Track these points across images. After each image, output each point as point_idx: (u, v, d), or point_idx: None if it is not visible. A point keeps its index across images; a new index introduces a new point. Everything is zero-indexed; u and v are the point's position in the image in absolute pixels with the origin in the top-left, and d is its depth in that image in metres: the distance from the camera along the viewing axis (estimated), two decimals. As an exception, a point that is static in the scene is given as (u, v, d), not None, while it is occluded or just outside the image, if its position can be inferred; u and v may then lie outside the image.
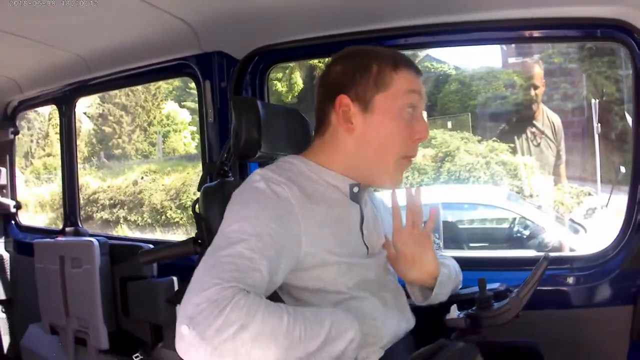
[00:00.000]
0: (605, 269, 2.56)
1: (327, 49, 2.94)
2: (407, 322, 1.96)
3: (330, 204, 1.81)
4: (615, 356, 2.51)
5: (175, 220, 17.10)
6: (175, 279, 3.35)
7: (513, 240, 7.53)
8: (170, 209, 17.28)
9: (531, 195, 10.19)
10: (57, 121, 4.35)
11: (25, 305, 4.38)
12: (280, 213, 1.65)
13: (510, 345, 2.13)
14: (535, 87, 5.50)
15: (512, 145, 10.89)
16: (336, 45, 2.76)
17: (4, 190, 4.74)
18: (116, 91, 18.10)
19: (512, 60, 13.45)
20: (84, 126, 20.69)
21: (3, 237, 4.75)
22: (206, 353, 1.36)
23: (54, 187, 18.25)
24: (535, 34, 2.71)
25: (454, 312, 1.94)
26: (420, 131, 1.85)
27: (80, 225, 4.29)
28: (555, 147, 5.42)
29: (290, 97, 17.13)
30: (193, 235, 2.35)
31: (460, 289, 2.20)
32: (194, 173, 16.60)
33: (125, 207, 18.10)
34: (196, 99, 3.22)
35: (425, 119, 1.91)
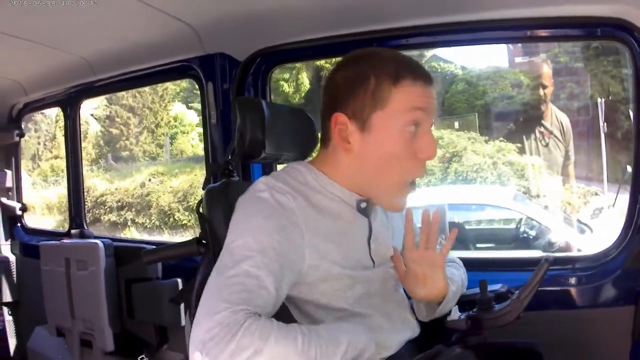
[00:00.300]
0: (606, 269, 2.54)
1: (329, 50, 2.95)
2: (412, 331, 1.95)
3: (336, 216, 1.78)
4: (617, 357, 2.50)
5: (184, 222, 17.11)
6: (179, 280, 3.35)
7: (519, 240, 7.51)
8: (178, 211, 17.29)
9: (538, 196, 10.17)
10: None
11: (31, 307, 4.39)
12: (284, 224, 1.63)
13: (511, 346, 2.13)
14: (544, 87, 5.45)
15: (519, 145, 10.88)
16: (338, 46, 2.78)
17: (10, 193, 4.75)
18: (123, 93, 18.07)
19: (518, 59, 13.42)
20: (91, 128, 20.72)
21: (9, 240, 4.76)
22: None
23: (61, 190, 18.26)
24: (536, 33, 2.69)
25: (455, 314, 1.94)
26: (424, 150, 1.75)
27: (86, 228, 4.30)
28: (564, 147, 5.40)
29: (297, 97, 17.13)
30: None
31: (462, 290, 2.19)
32: (202, 175, 16.58)
33: (133, 210, 18.11)
34: (204, 100, 3.25)
35: (432, 134, 1.79)
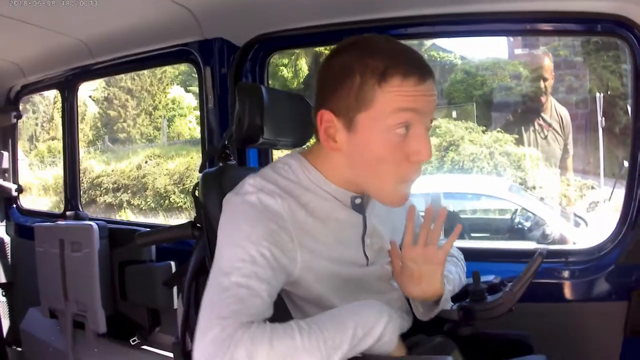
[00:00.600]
0: (600, 263, 2.55)
1: (328, 38, 2.95)
2: (407, 323, 1.92)
3: (328, 215, 1.72)
4: (609, 352, 2.52)
5: (179, 204, 17.13)
6: (173, 263, 3.36)
7: (513, 231, 7.54)
8: (174, 194, 17.31)
9: (534, 187, 10.18)
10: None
11: (25, 288, 4.40)
12: (272, 228, 1.58)
13: (502, 337, 2.13)
14: (545, 79, 5.44)
15: (516, 136, 10.90)
16: (337, 33, 2.77)
17: (6, 174, 4.75)
18: (122, 75, 18.06)
19: (518, 51, 13.43)
20: (89, 110, 20.70)
21: (4, 221, 4.77)
22: None
23: (58, 171, 18.25)
24: (536, 27, 2.69)
25: (448, 304, 1.94)
26: (417, 153, 1.62)
27: (81, 210, 4.30)
28: (563, 141, 5.40)
29: (296, 83, 17.12)
30: (197, 219, 2.33)
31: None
32: (198, 158, 16.51)
33: (129, 191, 18.13)
34: (203, 84, 3.26)
35: (426, 135, 1.65)
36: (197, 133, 19.25)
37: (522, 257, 2.65)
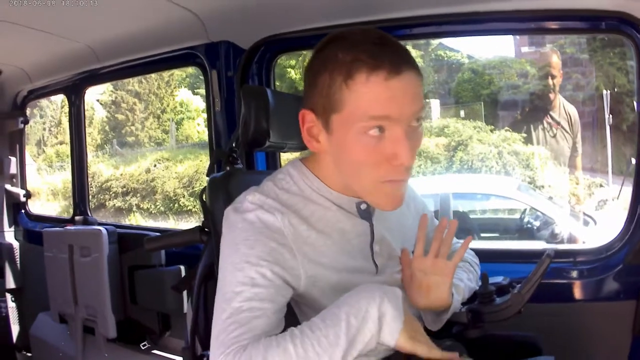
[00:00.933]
0: (608, 263, 2.54)
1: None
2: None
3: (332, 226, 1.67)
4: (617, 351, 2.50)
5: (188, 208, 17.16)
6: (182, 267, 3.36)
7: (523, 231, 7.52)
8: (183, 197, 17.34)
9: (542, 186, 10.17)
10: (68, 110, 4.38)
11: (35, 294, 4.41)
12: (272, 246, 1.55)
13: (511, 338, 2.12)
14: (553, 77, 5.43)
15: (524, 135, 10.89)
16: (342, 35, 2.76)
17: (14, 180, 4.76)
18: (129, 78, 18.10)
19: (525, 49, 13.43)
20: (97, 114, 20.75)
21: (13, 226, 4.78)
22: None
23: (66, 175, 18.29)
24: (541, 25, 2.67)
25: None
26: (394, 157, 1.52)
27: (90, 214, 4.30)
28: (572, 139, 5.38)
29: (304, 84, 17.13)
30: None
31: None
32: (207, 160, 16.54)
33: (138, 195, 18.16)
34: (210, 86, 3.28)
35: (404, 137, 1.51)
36: (205, 136, 19.26)
37: (531, 257, 2.64)
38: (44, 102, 20.19)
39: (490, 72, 14.81)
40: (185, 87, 21.43)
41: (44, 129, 21.24)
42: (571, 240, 6.54)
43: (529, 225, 7.40)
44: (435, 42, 14.66)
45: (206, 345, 2.20)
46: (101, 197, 18.10)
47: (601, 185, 10.12)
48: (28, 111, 4.74)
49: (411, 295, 1.77)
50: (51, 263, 3.94)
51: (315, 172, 1.70)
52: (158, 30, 3.17)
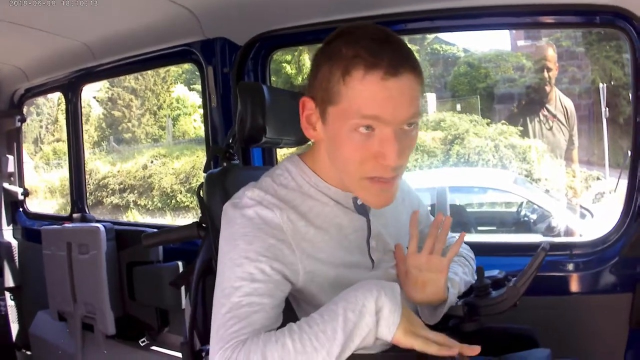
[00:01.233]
0: (604, 255, 2.55)
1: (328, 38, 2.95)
2: None
3: (330, 221, 1.68)
4: (614, 344, 2.51)
5: (186, 204, 17.15)
6: (180, 263, 3.38)
7: (519, 224, 7.52)
8: (180, 193, 17.32)
9: (539, 179, 10.17)
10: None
11: (34, 292, 4.43)
12: (271, 242, 1.56)
13: (507, 331, 2.13)
14: (549, 70, 5.43)
15: (521, 128, 10.91)
16: (338, 31, 2.77)
17: (12, 178, 4.76)
18: (125, 75, 18.07)
19: (521, 43, 13.43)
20: (94, 111, 20.71)
21: (11, 225, 4.78)
22: None
23: (64, 173, 18.27)
24: (535, 19, 2.68)
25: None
26: (381, 156, 1.53)
27: (87, 212, 4.31)
28: (568, 132, 5.39)
29: (300, 79, 17.09)
30: (203, 219, 2.34)
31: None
32: (204, 156, 16.54)
33: (135, 192, 18.14)
34: (206, 82, 3.30)
35: (393, 138, 1.52)
36: (202, 132, 19.23)
37: (527, 250, 2.66)
38: (40, 99, 20.14)
39: (487, 66, 14.81)
40: (181, 83, 21.38)
41: (41, 127, 21.20)
42: (568, 233, 6.54)
43: (525, 219, 7.39)
44: (431, 36, 14.64)
45: (205, 340, 2.21)
46: (98, 194, 18.07)
47: (598, 178, 10.13)
48: (25, 109, 4.74)
49: (407, 291, 1.78)
50: (50, 261, 3.95)
51: (312, 167, 1.72)
52: (154, 27, 3.17)
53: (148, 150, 19.44)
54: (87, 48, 3.57)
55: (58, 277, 3.84)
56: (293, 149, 2.35)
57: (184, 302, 3.16)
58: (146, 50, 3.49)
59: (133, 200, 18.04)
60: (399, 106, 1.50)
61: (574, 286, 2.59)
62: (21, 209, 4.83)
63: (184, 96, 21.02)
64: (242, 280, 1.50)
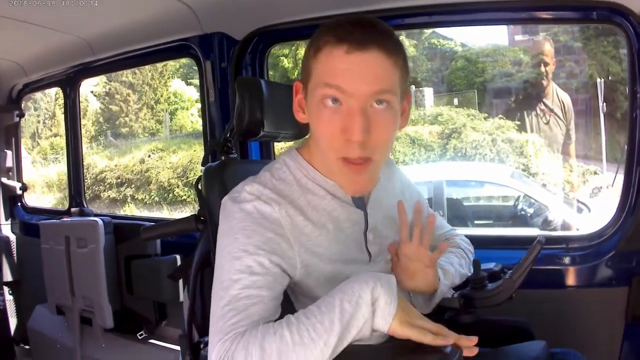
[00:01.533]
0: (600, 249, 2.56)
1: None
2: None
3: (328, 215, 1.70)
4: (610, 338, 2.53)
5: (183, 198, 17.12)
6: (178, 256, 3.39)
7: (516, 218, 7.54)
8: (178, 187, 17.29)
9: (536, 174, 10.18)
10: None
11: (32, 286, 4.44)
12: (269, 237, 1.58)
13: (503, 323, 2.15)
14: (546, 64, 5.45)
15: (518, 123, 10.90)
16: (335, 26, 2.77)
17: (10, 173, 4.77)
18: (123, 70, 18.02)
19: (518, 37, 13.43)
20: (91, 105, 20.67)
21: (9, 219, 4.79)
22: None
23: (61, 167, 18.25)
24: (532, 15, 2.71)
25: (449, 292, 1.95)
26: (345, 130, 1.57)
27: (86, 206, 4.32)
28: (565, 126, 5.40)
29: (296, 73, 17.07)
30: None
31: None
32: (201, 150, 16.51)
33: (133, 186, 18.10)
34: (203, 76, 3.31)
35: (358, 113, 1.56)
36: (199, 126, 19.20)
37: (523, 244, 2.66)
38: (38, 94, 20.06)
39: (484, 60, 14.79)
40: (178, 77, 21.33)
41: (38, 122, 21.15)
42: (565, 227, 6.56)
43: (522, 213, 7.41)
44: (428, 30, 14.62)
45: (203, 333, 2.22)
46: (96, 188, 18.03)
47: (595, 173, 10.14)
48: (22, 104, 4.75)
49: (398, 277, 1.76)
50: (48, 255, 3.96)
51: (309, 160, 1.74)
52: (152, 22, 3.18)
53: (145, 144, 19.40)
54: (85, 43, 3.58)
55: (56, 271, 3.85)
56: (290, 143, 2.37)
57: (182, 295, 3.17)
58: (144, 45, 3.50)
59: (130, 194, 18.00)
60: (361, 79, 1.55)
61: (570, 279, 2.60)
62: (19, 204, 4.84)
63: (181, 90, 20.98)
64: (240, 273, 1.51)
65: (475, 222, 7.92)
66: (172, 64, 20.41)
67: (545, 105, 5.46)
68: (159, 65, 19.64)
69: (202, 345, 2.20)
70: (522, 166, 11.24)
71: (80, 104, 4.42)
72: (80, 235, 3.69)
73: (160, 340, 3.66)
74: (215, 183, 2.07)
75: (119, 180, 18.24)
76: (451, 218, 7.53)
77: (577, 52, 11.77)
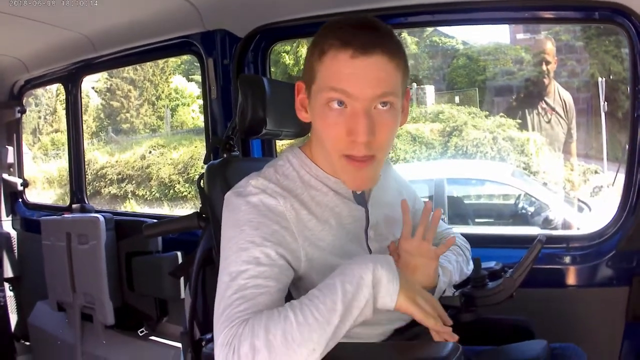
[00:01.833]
0: (601, 249, 2.56)
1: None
2: (404, 320, 1.87)
3: (330, 211, 1.74)
4: (610, 337, 2.53)
5: (184, 194, 17.13)
6: (179, 253, 3.38)
7: (517, 216, 7.54)
8: (179, 183, 17.30)
9: (537, 172, 10.18)
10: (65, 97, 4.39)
11: (33, 282, 4.43)
12: (275, 229, 1.60)
13: (503, 322, 2.15)
14: (547, 63, 5.45)
15: (519, 121, 10.90)
16: (338, 24, 2.77)
17: (11, 169, 4.77)
18: (125, 67, 18.01)
19: (520, 36, 13.42)
20: (92, 101, 20.67)
21: (10, 215, 4.79)
22: None
23: (62, 163, 18.26)
24: (534, 14, 2.70)
25: (449, 290, 1.96)
26: (350, 131, 1.61)
27: (87, 202, 4.32)
28: (566, 125, 5.40)
29: (297, 70, 17.08)
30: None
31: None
32: (202, 147, 16.53)
33: (134, 182, 18.11)
34: (205, 72, 3.32)
35: (363, 115, 1.59)
36: (200, 122, 19.22)
37: (524, 243, 2.66)
38: (39, 90, 20.07)
39: (485, 59, 14.80)
40: (179, 73, 21.35)
41: (39, 118, 21.15)
42: (565, 226, 6.57)
43: (523, 211, 7.42)
44: (429, 28, 14.62)
45: (204, 330, 2.23)
46: (97, 184, 18.04)
47: (596, 172, 10.14)
48: (24, 100, 4.75)
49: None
50: (49, 251, 3.96)
51: (311, 158, 1.77)
52: (154, 19, 3.18)
53: (146, 140, 19.41)
54: (87, 40, 3.58)
55: (57, 268, 3.85)
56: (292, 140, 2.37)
57: (183, 292, 3.17)
58: (146, 42, 3.50)
59: (131, 191, 18.02)
60: (366, 83, 1.58)
61: (571, 279, 2.61)
62: (20, 200, 4.84)
63: (182, 87, 21.00)
64: (247, 264, 1.52)
65: (476, 220, 7.94)
66: (173, 60, 20.42)
67: (546, 103, 5.46)
68: (161, 61, 19.64)
69: (203, 343, 2.21)
70: (523, 165, 11.25)
71: (82, 99, 4.41)
72: (82, 231, 3.69)
73: (161, 337, 3.67)
74: (218, 180, 2.07)
75: (119, 176, 18.27)
76: (452, 216, 7.55)
77: (578, 50, 11.79)
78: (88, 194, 4.50)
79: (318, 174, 1.75)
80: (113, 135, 20.47)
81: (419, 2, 2.74)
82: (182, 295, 3.20)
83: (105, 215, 3.68)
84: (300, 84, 1.74)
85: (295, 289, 1.70)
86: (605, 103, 8.74)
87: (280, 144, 3.58)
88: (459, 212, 7.86)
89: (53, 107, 20.99)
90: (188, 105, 20.88)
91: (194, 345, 2.26)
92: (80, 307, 3.77)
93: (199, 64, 3.33)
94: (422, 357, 1.54)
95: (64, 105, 4.44)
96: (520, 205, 7.58)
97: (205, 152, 2.61)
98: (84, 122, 4.49)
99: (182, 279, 3.19)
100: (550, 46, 5.75)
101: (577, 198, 7.86)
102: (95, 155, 18.77)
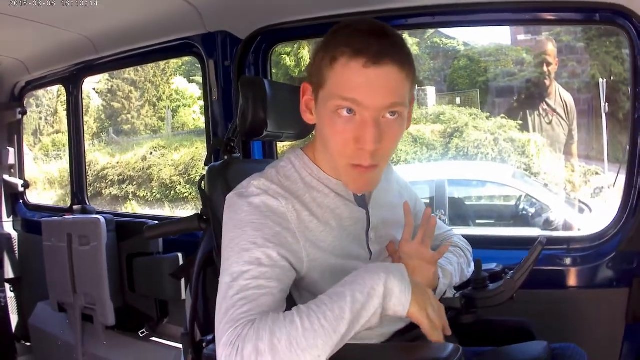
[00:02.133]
0: (601, 250, 2.56)
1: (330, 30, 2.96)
2: (405, 322, 1.85)
3: (331, 212, 1.74)
4: (610, 339, 2.53)
5: (185, 195, 17.13)
6: (180, 255, 3.39)
7: (518, 218, 7.54)
8: (180, 184, 17.30)
9: (538, 174, 10.17)
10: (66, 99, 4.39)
11: (34, 283, 4.44)
12: (277, 230, 1.61)
13: (504, 324, 2.15)
14: (549, 64, 5.44)
15: (520, 122, 10.90)
16: (338, 26, 2.77)
17: (12, 170, 4.77)
18: (126, 68, 18.01)
19: (521, 37, 13.43)
20: (93, 102, 20.67)
21: (11, 216, 4.79)
22: None
23: (63, 164, 18.26)
24: (535, 16, 2.71)
25: (450, 292, 1.96)
26: (358, 139, 1.60)
27: (88, 203, 4.33)
28: (568, 127, 5.40)
29: (298, 71, 17.08)
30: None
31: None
32: (203, 148, 16.53)
33: (135, 183, 18.12)
34: (206, 74, 3.32)
35: (371, 124, 1.58)
36: (201, 123, 19.21)
37: (525, 244, 2.64)
38: (40, 91, 20.10)
39: (486, 60, 14.80)
40: (180, 75, 21.36)
41: (40, 119, 21.16)
42: (566, 227, 6.57)
43: (524, 213, 7.41)
44: (431, 30, 14.62)
45: (205, 331, 2.23)
46: (98, 185, 18.06)
47: (597, 173, 10.14)
48: (25, 101, 4.75)
49: None
50: (50, 252, 3.96)
51: (313, 159, 1.77)
52: (155, 20, 3.18)
53: (147, 141, 19.41)
54: (88, 41, 3.58)
55: (58, 269, 3.85)
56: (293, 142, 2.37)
57: (184, 293, 3.18)
58: (148, 44, 3.50)
59: (132, 192, 18.03)
60: (377, 93, 1.58)
61: (571, 280, 2.61)
62: (21, 201, 4.85)
63: (183, 88, 21.01)
64: (249, 264, 1.53)
65: (477, 221, 7.93)
66: (174, 62, 20.42)
67: (547, 105, 5.46)
68: (162, 62, 19.65)
69: (204, 344, 2.21)
70: (524, 166, 11.25)
71: (82, 100, 4.42)
72: (83, 232, 3.70)
73: (161, 338, 3.68)
74: (219, 182, 2.07)
75: (120, 178, 18.27)
76: (453, 217, 7.54)
77: (579, 52, 11.79)
78: (89, 195, 4.51)
79: (320, 175, 1.75)
80: (114, 136, 20.48)
81: (420, 4, 2.74)
82: (183, 297, 3.21)
83: (107, 216, 3.69)
84: (307, 86, 1.73)
85: (297, 289, 1.70)
86: (606, 104, 8.74)
87: (281, 146, 3.57)
88: (460, 213, 7.86)
89: (54, 108, 21.01)
90: (189, 106, 20.89)
91: (195, 347, 2.25)
92: (81, 308, 3.77)
93: (200, 66, 3.33)
94: (423, 358, 1.54)
95: (65, 107, 4.45)
96: (521, 207, 7.58)
97: (206, 153, 2.61)
98: (84, 123, 4.49)
99: (182, 280, 3.19)
100: (551, 47, 5.76)
101: (577, 199, 7.88)
102: (96, 156, 18.78)
